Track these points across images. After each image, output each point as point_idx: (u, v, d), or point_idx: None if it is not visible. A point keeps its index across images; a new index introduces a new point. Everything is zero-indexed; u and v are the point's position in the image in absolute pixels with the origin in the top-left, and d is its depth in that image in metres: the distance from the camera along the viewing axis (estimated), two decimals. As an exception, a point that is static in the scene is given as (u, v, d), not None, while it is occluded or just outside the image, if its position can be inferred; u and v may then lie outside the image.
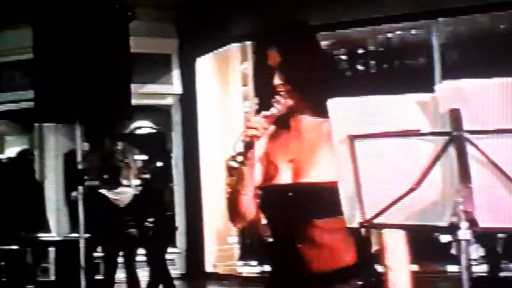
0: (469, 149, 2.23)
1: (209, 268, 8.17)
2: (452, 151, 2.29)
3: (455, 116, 2.25)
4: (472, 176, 2.25)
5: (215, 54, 8.57)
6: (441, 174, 2.35)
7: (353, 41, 9.33)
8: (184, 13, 8.34)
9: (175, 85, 8.65)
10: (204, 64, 8.53)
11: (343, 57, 9.90)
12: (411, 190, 2.42)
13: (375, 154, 2.50)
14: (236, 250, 8.24)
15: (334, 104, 2.54)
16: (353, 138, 2.49)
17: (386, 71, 9.52)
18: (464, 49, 8.19)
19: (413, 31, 8.47)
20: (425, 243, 5.79)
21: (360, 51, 9.71)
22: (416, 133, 2.40)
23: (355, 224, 2.56)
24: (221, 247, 8.24)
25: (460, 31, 7.92)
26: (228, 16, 7.96)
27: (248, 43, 8.83)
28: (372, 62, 9.66)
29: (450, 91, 2.26)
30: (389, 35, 8.86)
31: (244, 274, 8.03)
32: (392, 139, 2.46)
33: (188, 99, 8.41)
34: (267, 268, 8.12)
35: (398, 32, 8.69)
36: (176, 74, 8.64)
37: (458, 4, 6.60)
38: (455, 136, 2.27)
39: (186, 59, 8.54)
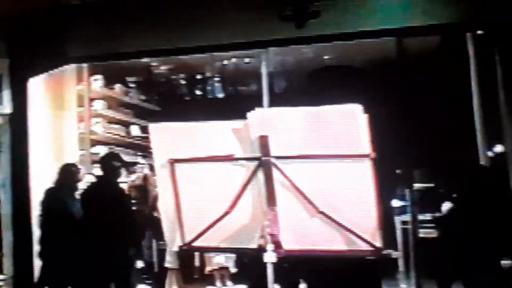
0: (275, 173, 2.42)
1: (38, 294, 7.84)
2: (261, 175, 2.48)
3: (263, 142, 2.45)
4: (277, 200, 2.44)
5: (50, 75, 8.33)
6: (251, 198, 2.54)
7: (191, 67, 9.52)
8: (15, 31, 8.04)
9: (5, 105, 8.28)
10: (37, 84, 8.26)
11: (182, 82, 10.09)
12: (226, 213, 2.58)
13: (195, 179, 2.63)
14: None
15: (155, 129, 2.64)
16: (173, 162, 2.60)
17: (222, 96, 9.83)
18: (291, 77, 8.70)
19: (246, 59, 8.83)
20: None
21: (199, 76, 9.94)
22: (230, 158, 2.56)
23: (175, 248, 2.65)
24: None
25: (288, 60, 8.39)
26: (64, 36, 7.79)
27: (85, 65, 8.70)
28: (209, 87, 9.93)
29: (260, 119, 2.45)
30: (225, 62, 9.17)
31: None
32: (209, 164, 2.60)
33: (18, 120, 8.07)
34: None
35: (233, 60, 9.01)
36: (6, 94, 8.28)
37: (287, 35, 6.99)
38: (263, 161, 2.46)
39: (17, 78, 8.21)
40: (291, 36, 6.94)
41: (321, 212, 2.23)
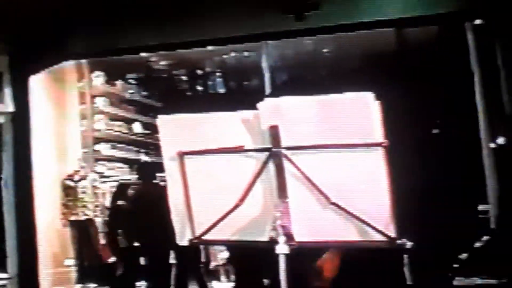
0: (286, 164, 2.39)
1: (44, 293, 7.84)
2: (271, 167, 2.44)
3: (274, 132, 2.41)
4: (288, 191, 2.41)
5: (50, 72, 8.31)
6: (262, 190, 2.49)
7: (192, 62, 9.50)
8: (15, 29, 8.01)
9: (7, 104, 8.24)
10: (39, 82, 8.24)
11: (183, 77, 10.07)
12: (236, 206, 2.54)
13: (204, 171, 2.60)
14: (74, 273, 8.00)
15: (163, 121, 2.61)
16: (182, 154, 2.57)
17: (224, 91, 9.81)
18: (292, 70, 8.68)
19: (246, 53, 8.81)
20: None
21: (199, 71, 9.93)
22: (240, 150, 2.53)
23: (185, 242, 2.62)
24: (57, 270, 7.95)
25: (288, 54, 8.37)
26: (63, 33, 7.76)
27: (85, 61, 8.69)
28: (210, 82, 9.91)
29: (270, 108, 2.41)
30: (225, 56, 9.14)
31: (81, 297, 7.82)
32: (219, 156, 2.57)
33: (20, 118, 8.05)
34: (106, 290, 7.99)
35: (233, 54, 8.98)
36: (8, 92, 8.24)
37: (286, 28, 6.97)
38: (274, 152, 2.42)
39: (18, 76, 8.18)
40: (291, 28, 6.93)
41: (334, 203, 2.20)
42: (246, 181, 2.46)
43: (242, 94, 9.25)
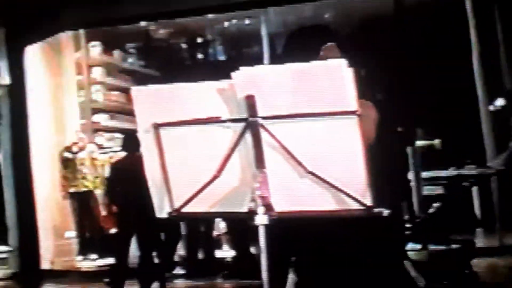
0: (263, 134, 2.30)
1: (45, 265, 7.86)
2: (248, 137, 2.35)
3: (250, 102, 2.31)
4: (266, 162, 2.32)
5: (46, 43, 8.21)
6: (240, 161, 2.40)
7: (191, 31, 9.36)
8: (9, 0, 7.90)
9: (3, 76, 8.17)
10: (34, 53, 8.15)
11: (183, 45, 9.94)
12: (214, 177, 2.45)
13: (180, 143, 2.51)
14: (75, 245, 8.01)
15: (137, 92, 2.51)
16: (157, 126, 2.48)
17: (224, 58, 9.68)
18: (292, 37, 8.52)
19: (246, 21, 8.65)
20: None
21: (199, 40, 9.79)
22: (216, 120, 2.43)
23: (164, 214, 2.55)
24: (58, 242, 7.97)
25: (288, 20, 8.21)
26: (59, 3, 7.65)
27: (81, 31, 8.57)
28: (210, 50, 9.77)
29: (245, 78, 2.30)
30: (226, 24, 8.99)
31: (83, 269, 7.82)
32: (195, 127, 2.48)
33: (17, 90, 7.99)
34: (108, 261, 7.99)
35: (233, 21, 8.83)
36: (3, 64, 8.17)
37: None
38: (251, 122, 2.32)
39: (14, 48, 8.09)
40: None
41: (310, 172, 2.11)
42: (223, 152, 2.38)
43: (242, 62, 9.11)
